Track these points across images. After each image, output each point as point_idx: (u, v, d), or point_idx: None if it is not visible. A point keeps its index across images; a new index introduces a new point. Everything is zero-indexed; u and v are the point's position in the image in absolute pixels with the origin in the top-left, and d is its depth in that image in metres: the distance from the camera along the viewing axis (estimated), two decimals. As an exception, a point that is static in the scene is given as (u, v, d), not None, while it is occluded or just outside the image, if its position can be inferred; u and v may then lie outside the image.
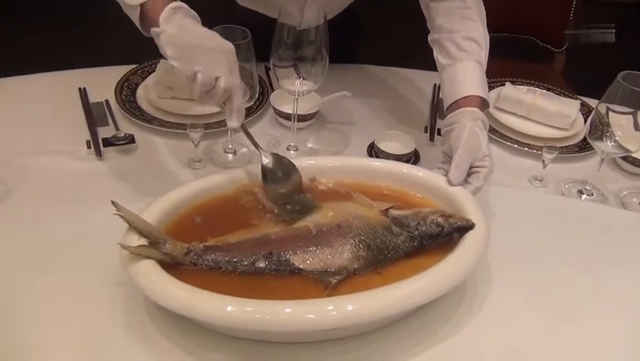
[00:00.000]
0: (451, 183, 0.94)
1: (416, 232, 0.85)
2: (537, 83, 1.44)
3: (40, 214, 0.97)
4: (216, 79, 0.86)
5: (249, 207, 0.91)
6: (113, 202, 0.79)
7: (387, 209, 0.89)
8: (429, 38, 1.14)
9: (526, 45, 2.00)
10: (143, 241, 0.78)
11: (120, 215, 0.79)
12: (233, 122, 0.90)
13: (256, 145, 0.96)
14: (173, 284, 0.74)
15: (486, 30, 1.09)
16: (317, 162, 0.99)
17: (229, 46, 0.88)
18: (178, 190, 0.89)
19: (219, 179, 0.93)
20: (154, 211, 0.84)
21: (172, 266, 0.78)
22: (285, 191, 0.93)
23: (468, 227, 0.85)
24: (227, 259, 0.80)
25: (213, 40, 0.88)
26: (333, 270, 0.81)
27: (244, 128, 0.95)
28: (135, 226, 0.79)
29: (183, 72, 0.86)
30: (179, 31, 0.87)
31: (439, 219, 0.85)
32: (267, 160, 0.94)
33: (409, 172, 0.98)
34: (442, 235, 0.85)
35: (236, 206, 0.91)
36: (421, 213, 0.87)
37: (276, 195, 0.92)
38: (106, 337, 0.79)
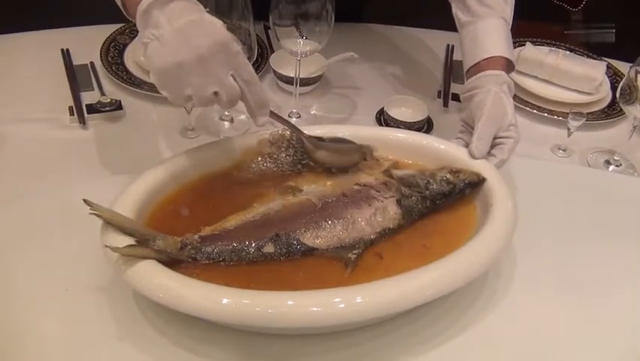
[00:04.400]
0: (473, 156, 0.85)
1: (427, 192, 0.80)
2: (560, 43, 1.34)
3: (18, 188, 0.89)
4: (216, 93, 0.73)
5: (245, 184, 0.82)
6: (85, 201, 0.69)
7: (388, 169, 0.83)
8: (446, -8, 1.03)
9: (538, 3, 1.89)
10: (130, 240, 0.69)
11: (96, 214, 0.69)
12: (257, 120, 0.77)
13: (297, 130, 0.84)
14: (161, 273, 0.66)
15: None
16: (323, 131, 0.88)
17: (222, 39, 0.71)
18: (159, 168, 0.79)
19: (209, 152, 0.84)
20: (130, 199, 0.74)
21: (171, 265, 0.69)
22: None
23: (479, 182, 0.81)
24: (229, 248, 0.72)
25: (200, 40, 0.70)
26: (349, 244, 0.74)
27: (274, 116, 0.81)
28: (115, 224, 0.69)
29: (176, 102, 0.73)
30: (159, 43, 0.70)
31: (448, 176, 0.81)
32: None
33: (429, 144, 0.89)
34: (455, 193, 0.81)
35: (230, 183, 0.82)
36: (427, 170, 0.83)
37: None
38: (90, 327, 0.72)
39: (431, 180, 0.80)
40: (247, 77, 0.74)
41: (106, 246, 0.66)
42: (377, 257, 0.75)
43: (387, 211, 0.77)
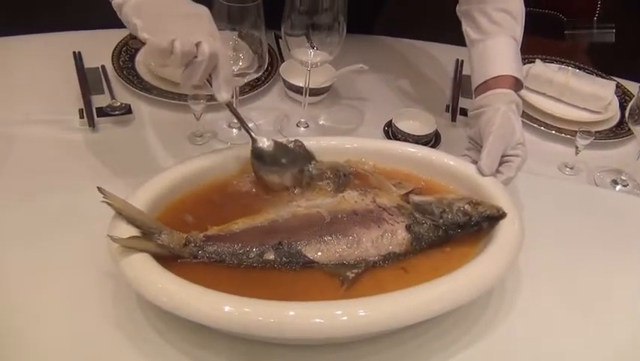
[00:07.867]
0: (482, 173, 0.85)
1: (441, 221, 0.77)
2: (569, 61, 1.34)
3: (27, 189, 0.89)
4: (197, 45, 0.74)
5: (254, 190, 0.83)
6: (99, 188, 0.70)
7: (407, 193, 0.81)
8: (457, 9, 1.04)
9: (549, 21, 1.89)
10: (135, 232, 0.70)
11: (108, 202, 0.70)
12: (222, 94, 0.78)
13: (245, 127, 0.85)
14: (164, 278, 0.66)
15: (522, 1, 0.99)
16: (331, 143, 0.89)
17: (205, 10, 0.78)
18: (171, 171, 0.80)
19: (219, 158, 0.84)
20: (145, 195, 0.75)
21: (169, 260, 0.69)
22: (286, 180, 0.83)
23: (499, 217, 0.77)
24: (231, 250, 0.72)
25: (185, 5, 0.77)
26: (350, 262, 0.73)
27: (230, 105, 0.83)
28: (126, 215, 0.70)
29: (157, 44, 0.74)
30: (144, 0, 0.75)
31: (466, 207, 0.78)
32: (262, 144, 0.84)
33: (439, 159, 0.88)
34: (470, 225, 0.77)
35: (239, 189, 0.83)
36: (446, 199, 0.79)
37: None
38: (93, 331, 0.72)
39: (447, 210, 0.78)
40: (223, 50, 0.77)
41: (108, 235, 0.67)
42: (401, 270, 0.74)
43: (395, 235, 0.76)
